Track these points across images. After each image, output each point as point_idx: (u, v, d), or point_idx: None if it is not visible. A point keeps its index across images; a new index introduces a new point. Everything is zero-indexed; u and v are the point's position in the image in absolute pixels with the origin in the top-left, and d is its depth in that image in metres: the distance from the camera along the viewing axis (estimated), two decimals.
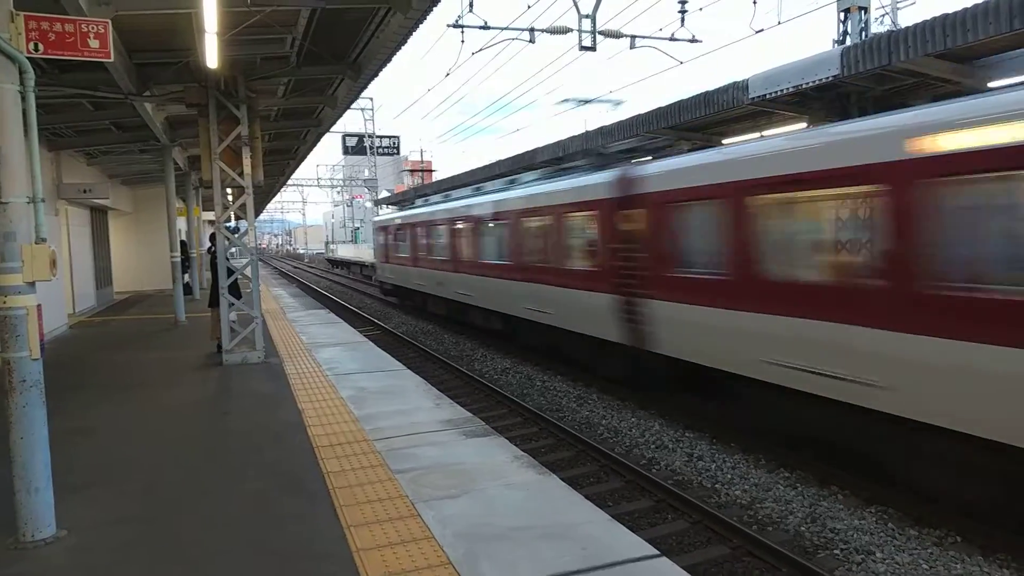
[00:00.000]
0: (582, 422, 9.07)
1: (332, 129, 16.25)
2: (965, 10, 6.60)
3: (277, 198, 65.10)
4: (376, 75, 10.10)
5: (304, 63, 9.82)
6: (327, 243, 76.07)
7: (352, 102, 12.67)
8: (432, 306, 19.08)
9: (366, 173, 51.12)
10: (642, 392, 9.78)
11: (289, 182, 40.01)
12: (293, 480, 4.84)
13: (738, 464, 7.25)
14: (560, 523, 3.95)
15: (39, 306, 3.97)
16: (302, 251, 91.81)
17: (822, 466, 6.85)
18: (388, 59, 9.30)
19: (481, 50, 15.62)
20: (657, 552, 3.58)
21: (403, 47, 8.80)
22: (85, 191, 14.86)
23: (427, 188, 26.85)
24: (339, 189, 68.58)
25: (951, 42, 6.88)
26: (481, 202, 14.86)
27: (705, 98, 12.33)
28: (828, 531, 5.70)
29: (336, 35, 9.01)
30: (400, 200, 31.82)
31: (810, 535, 5.67)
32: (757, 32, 14.29)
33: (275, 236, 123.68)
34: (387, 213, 26.21)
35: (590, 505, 4.28)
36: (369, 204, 56.88)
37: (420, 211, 19.72)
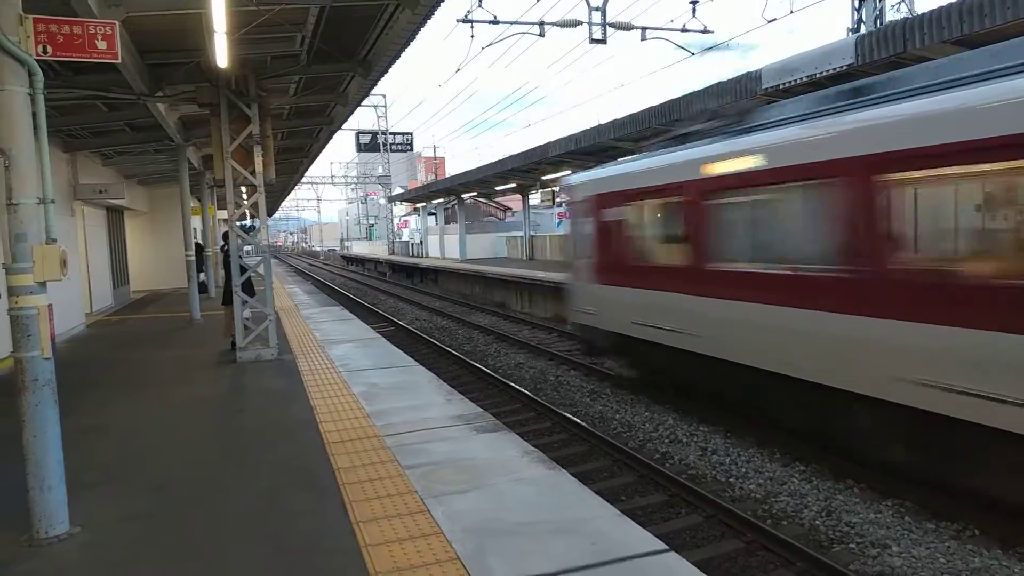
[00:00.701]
0: (595, 416, 9.04)
1: (345, 126, 16.33)
2: None
3: (292, 196, 65.54)
4: (386, 71, 10.12)
5: (314, 61, 9.86)
6: (342, 240, 76.50)
7: (363, 99, 12.73)
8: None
9: (379, 170, 51.27)
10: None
11: (303, 180, 40.26)
12: (304, 476, 4.86)
13: (753, 458, 7.19)
14: (570, 518, 3.93)
15: (50, 306, 4.01)
16: (317, 248, 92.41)
17: (837, 459, 6.78)
18: (398, 55, 9.31)
19: (491, 44, 15.63)
20: (666, 547, 3.56)
21: (412, 43, 8.82)
22: (101, 191, 15.04)
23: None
24: (353, 186, 68.84)
25: (968, 28, 6.77)
26: None
27: (718, 88, 12.22)
28: (844, 525, 5.63)
29: (345, 32, 9.03)
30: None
31: (825, 529, 5.62)
32: (770, 22, 14.14)
33: (291, 234, 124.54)
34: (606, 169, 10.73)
35: (600, 500, 4.26)
36: (383, 201, 57.02)
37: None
